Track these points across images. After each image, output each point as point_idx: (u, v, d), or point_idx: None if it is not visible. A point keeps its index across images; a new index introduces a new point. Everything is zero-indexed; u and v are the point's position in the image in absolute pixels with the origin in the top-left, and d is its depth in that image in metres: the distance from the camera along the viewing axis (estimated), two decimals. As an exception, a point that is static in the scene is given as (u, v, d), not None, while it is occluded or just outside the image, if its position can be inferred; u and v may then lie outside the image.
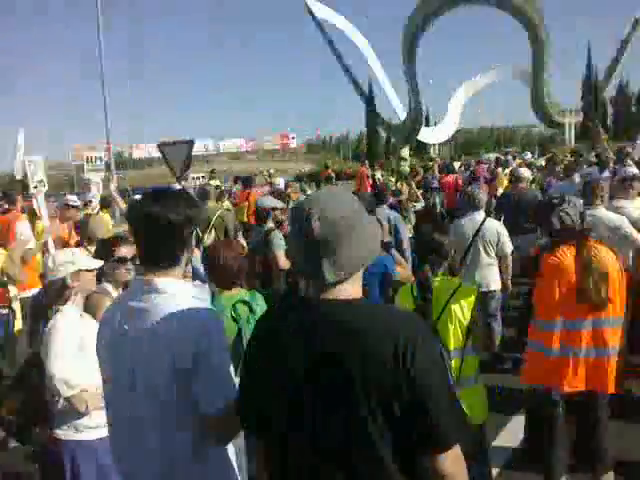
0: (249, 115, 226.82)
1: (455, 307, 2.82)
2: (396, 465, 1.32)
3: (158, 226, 1.72)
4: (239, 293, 3.08)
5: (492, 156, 18.71)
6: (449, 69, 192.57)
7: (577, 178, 7.84)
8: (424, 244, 3.02)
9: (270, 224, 5.44)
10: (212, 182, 13.58)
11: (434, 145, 52.25)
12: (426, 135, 47.54)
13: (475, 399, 2.90)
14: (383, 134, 50.34)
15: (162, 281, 1.75)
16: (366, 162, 17.32)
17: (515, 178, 7.32)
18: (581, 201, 3.13)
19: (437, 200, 8.91)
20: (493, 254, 5.18)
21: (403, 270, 4.32)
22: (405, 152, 43.42)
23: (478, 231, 5.17)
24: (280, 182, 10.33)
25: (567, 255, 2.92)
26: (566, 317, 2.89)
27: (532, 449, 3.25)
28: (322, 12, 39.86)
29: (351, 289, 1.42)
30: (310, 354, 1.36)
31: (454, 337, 2.82)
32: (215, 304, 2.87)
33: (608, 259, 2.93)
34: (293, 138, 67.42)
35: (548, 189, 8.23)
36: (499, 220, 6.66)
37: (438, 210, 8.96)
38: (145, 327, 1.70)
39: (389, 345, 1.30)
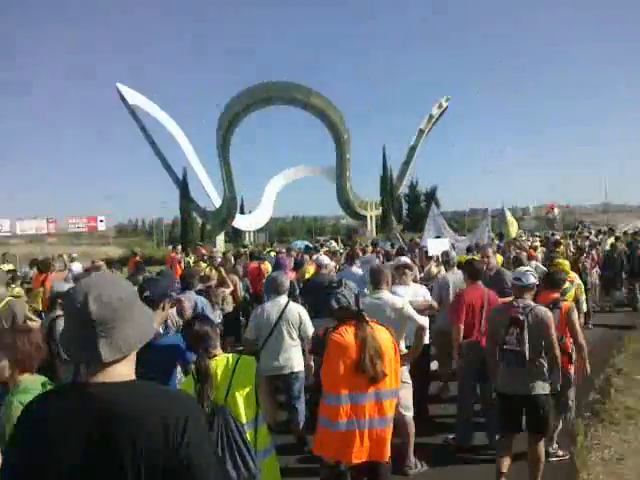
0: (52, 196, 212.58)
1: (240, 380, 2.93)
2: None
3: None
4: (39, 377, 2.86)
5: (301, 243, 19.77)
6: (264, 160, 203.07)
7: (357, 265, 8.54)
8: (188, 335, 3.11)
9: (58, 311, 5.11)
10: (3, 266, 12.27)
11: (249, 232, 53.59)
12: (241, 222, 48.79)
13: (271, 470, 3.01)
14: (199, 220, 50.41)
15: None
16: (177, 247, 17.21)
17: (318, 265, 7.90)
18: (354, 285, 3.45)
19: (240, 285, 9.15)
20: (296, 336, 5.39)
21: None
22: (220, 238, 44.15)
23: (282, 314, 5.39)
24: (77, 267, 9.75)
25: (348, 333, 3.19)
26: (350, 390, 3.11)
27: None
28: (135, 99, 39.87)
29: (125, 370, 1.46)
30: (80, 439, 1.34)
31: (245, 410, 2.90)
32: (21, 387, 2.67)
33: (383, 337, 3.25)
34: (102, 221, 64.19)
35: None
36: (305, 303, 7.02)
37: (243, 295, 9.21)
38: None
39: (159, 426, 1.35)
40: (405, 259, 6.62)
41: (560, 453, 5.19)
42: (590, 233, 20.48)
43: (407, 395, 4.81)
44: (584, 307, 7.15)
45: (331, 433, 3.12)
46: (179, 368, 3.59)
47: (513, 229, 16.72)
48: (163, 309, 3.36)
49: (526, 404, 4.29)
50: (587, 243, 15.45)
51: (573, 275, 7.47)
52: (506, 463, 4.37)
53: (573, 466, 4.91)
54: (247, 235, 52.59)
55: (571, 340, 5.09)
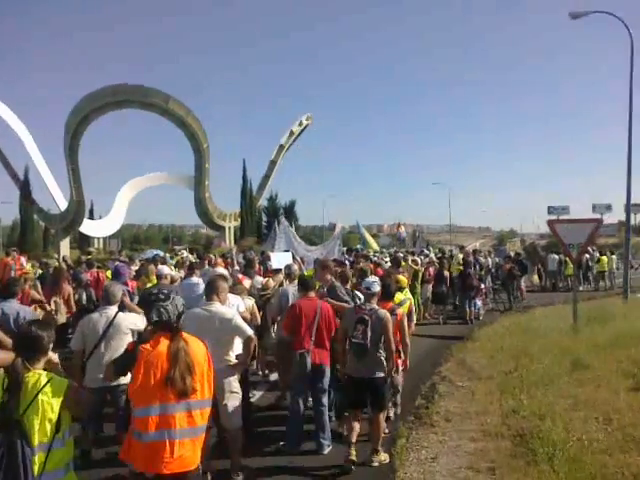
0: None
1: (44, 401, 2.78)
2: None
3: None
4: None
5: (150, 253, 19.13)
6: (116, 165, 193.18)
7: (197, 276, 8.43)
8: (19, 339, 2.91)
9: None
10: None
11: (99, 238, 50.65)
12: (89, 228, 45.92)
13: None
14: (41, 223, 46.62)
15: None
16: (13, 252, 15.72)
17: (158, 276, 7.78)
18: (182, 301, 3.44)
19: (84, 295, 8.58)
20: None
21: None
22: (65, 244, 41.20)
23: (109, 325, 5.16)
24: None
25: (160, 345, 3.15)
26: (160, 402, 3.06)
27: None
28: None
29: None
30: None
31: (40, 432, 2.76)
32: None
33: (196, 349, 3.26)
34: None
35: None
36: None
37: (86, 305, 8.64)
38: None
39: None
40: (221, 270, 6.81)
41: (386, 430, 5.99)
42: (429, 251, 22.06)
43: (236, 405, 4.82)
44: (414, 317, 7.77)
45: (140, 444, 3.05)
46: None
47: (372, 243, 18.49)
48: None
49: (369, 386, 5.35)
50: (427, 260, 16.75)
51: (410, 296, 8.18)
52: (354, 434, 5.33)
53: (392, 466, 5.26)
54: (96, 241, 49.66)
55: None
